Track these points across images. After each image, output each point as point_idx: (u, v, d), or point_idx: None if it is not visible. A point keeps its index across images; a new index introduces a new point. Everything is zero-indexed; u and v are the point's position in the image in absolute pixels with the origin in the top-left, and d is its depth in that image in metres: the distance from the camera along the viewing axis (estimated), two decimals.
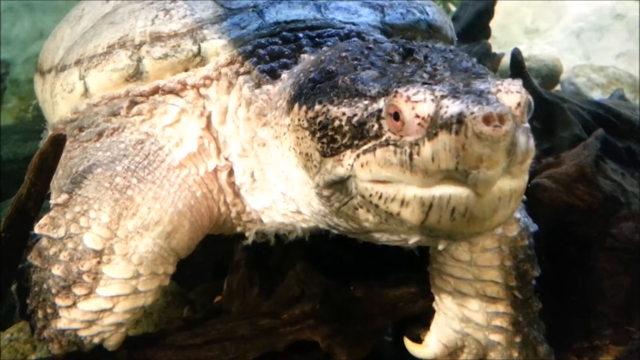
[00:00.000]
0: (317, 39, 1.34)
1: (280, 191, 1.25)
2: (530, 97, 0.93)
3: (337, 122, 0.99)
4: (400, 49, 1.04)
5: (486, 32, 2.94)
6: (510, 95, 0.90)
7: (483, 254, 1.38)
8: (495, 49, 3.04)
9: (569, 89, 4.04)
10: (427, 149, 0.87)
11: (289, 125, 1.10)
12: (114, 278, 1.23)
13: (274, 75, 1.27)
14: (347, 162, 0.98)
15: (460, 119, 0.84)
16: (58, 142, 1.26)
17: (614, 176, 1.78)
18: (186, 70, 1.36)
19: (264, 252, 1.63)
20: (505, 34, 4.88)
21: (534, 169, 1.82)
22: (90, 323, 1.26)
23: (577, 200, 1.70)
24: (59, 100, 1.49)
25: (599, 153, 1.80)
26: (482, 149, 0.83)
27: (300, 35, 1.36)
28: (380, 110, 0.94)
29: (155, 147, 1.32)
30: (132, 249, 1.23)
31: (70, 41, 1.61)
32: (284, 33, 1.37)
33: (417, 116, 0.88)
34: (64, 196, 1.27)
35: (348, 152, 0.98)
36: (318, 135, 1.02)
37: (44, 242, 1.27)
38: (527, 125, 0.92)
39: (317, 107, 1.03)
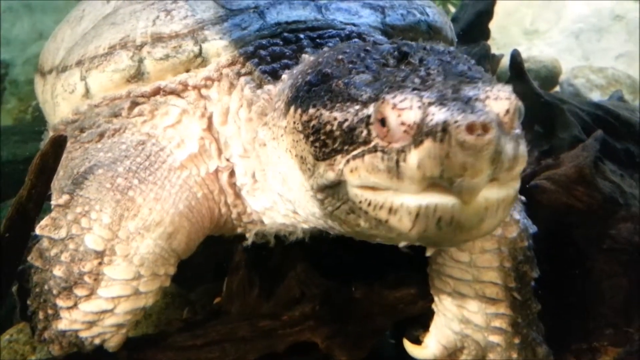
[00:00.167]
0: (318, 40, 1.34)
1: (278, 192, 1.25)
2: (520, 103, 0.92)
3: (328, 127, 0.99)
4: (395, 53, 1.03)
5: (486, 33, 2.94)
6: (499, 102, 0.89)
7: (482, 255, 1.38)
8: (494, 50, 3.05)
9: (568, 90, 4.05)
10: (413, 156, 0.87)
11: (286, 127, 1.11)
12: (115, 279, 1.23)
13: (275, 76, 1.27)
14: (337, 167, 0.98)
15: (444, 127, 0.84)
16: (59, 143, 1.26)
17: (612, 177, 1.79)
18: (187, 71, 1.36)
19: (263, 253, 1.63)
20: (505, 35, 4.88)
21: (533, 170, 1.83)
22: (91, 324, 1.26)
23: (576, 201, 1.70)
24: (60, 101, 1.49)
25: (598, 154, 1.80)
26: (465, 158, 0.83)
27: (302, 36, 1.36)
28: (369, 116, 0.95)
29: (156, 148, 1.32)
30: (133, 250, 1.24)
31: (71, 42, 1.61)
32: (285, 34, 1.37)
33: (403, 123, 0.89)
34: (65, 197, 1.27)
35: (339, 157, 0.98)
36: (311, 139, 1.02)
37: (45, 243, 1.27)
38: (517, 131, 0.91)
39: (311, 110, 1.03)
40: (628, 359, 1.55)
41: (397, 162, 0.89)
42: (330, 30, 1.38)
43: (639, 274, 1.65)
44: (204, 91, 1.35)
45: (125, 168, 1.28)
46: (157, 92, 1.37)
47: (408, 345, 1.54)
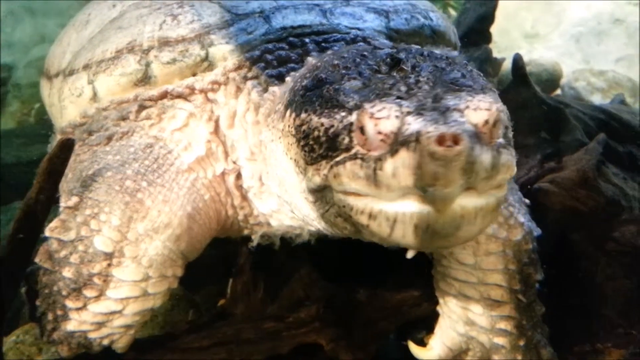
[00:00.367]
0: (323, 44, 1.36)
1: (276, 194, 1.27)
2: (502, 114, 0.93)
3: (316, 132, 1.01)
4: (388, 59, 1.04)
5: (487, 37, 2.96)
6: (478, 112, 0.90)
7: (487, 258, 1.39)
8: (495, 54, 3.06)
9: (569, 93, 4.06)
10: (389, 164, 0.89)
11: (282, 130, 1.12)
12: (124, 280, 1.24)
13: (281, 80, 1.28)
14: (322, 172, 1.00)
15: (417, 137, 0.86)
16: (67, 146, 1.26)
17: (615, 180, 1.80)
18: (194, 74, 1.37)
19: (268, 255, 1.64)
20: (505, 38, 4.89)
21: (536, 173, 1.84)
22: (100, 325, 1.27)
23: (579, 204, 1.71)
24: (68, 104, 1.50)
25: (601, 157, 1.81)
26: (436, 168, 0.84)
27: (307, 40, 1.37)
28: (352, 124, 0.96)
29: (164, 150, 1.33)
30: (142, 252, 1.24)
31: (77, 46, 1.62)
32: (291, 38, 1.38)
33: (380, 132, 0.91)
34: (75, 199, 1.28)
35: (324, 162, 1.00)
36: (302, 143, 1.04)
37: (54, 244, 1.27)
38: (500, 140, 0.92)
39: (303, 115, 1.05)
40: None
41: (375, 170, 0.91)
42: (335, 35, 1.39)
43: None
44: (210, 95, 1.36)
45: (134, 171, 1.29)
46: (164, 95, 1.38)
47: (413, 347, 1.55)
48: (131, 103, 1.39)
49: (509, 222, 1.39)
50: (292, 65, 1.31)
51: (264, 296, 1.65)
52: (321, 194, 1.04)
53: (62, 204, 1.29)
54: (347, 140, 0.96)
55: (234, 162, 1.35)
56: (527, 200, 1.49)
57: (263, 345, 1.46)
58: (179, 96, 1.37)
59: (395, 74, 1.01)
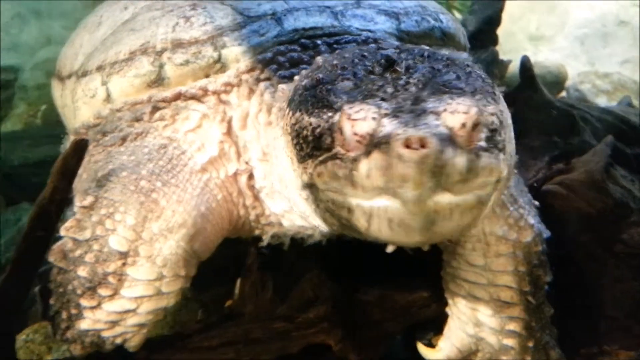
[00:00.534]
0: (335, 45, 1.37)
1: (277, 190, 1.28)
2: (486, 117, 0.94)
3: (305, 132, 1.03)
4: (383, 60, 1.04)
5: (494, 39, 2.96)
6: (455, 115, 0.91)
7: (497, 259, 1.40)
8: (500, 56, 3.06)
9: (574, 95, 4.06)
10: (363, 165, 0.90)
11: (283, 127, 1.14)
12: (138, 279, 1.25)
13: (292, 81, 1.29)
14: (309, 171, 1.02)
15: (387, 139, 0.87)
16: (81, 147, 1.28)
17: (623, 182, 1.80)
18: (207, 76, 1.38)
19: (277, 255, 1.65)
20: (511, 40, 4.89)
21: (544, 175, 1.84)
22: (114, 324, 1.28)
23: (588, 206, 1.71)
24: (81, 105, 1.51)
25: (609, 160, 1.81)
26: (404, 170, 0.85)
27: (319, 42, 1.38)
28: (334, 124, 0.98)
29: (178, 151, 1.34)
30: (156, 251, 1.25)
31: (89, 47, 1.63)
32: (303, 40, 1.39)
33: (356, 134, 0.92)
34: (90, 199, 1.29)
35: (310, 161, 1.02)
36: (294, 141, 1.06)
37: (69, 244, 1.28)
38: (481, 144, 0.92)
39: (297, 114, 1.06)
40: None
41: (351, 170, 0.92)
42: (346, 36, 1.40)
43: None
44: (223, 96, 1.37)
45: (149, 171, 1.30)
46: (177, 97, 1.38)
47: (422, 348, 1.55)
48: (145, 104, 1.40)
49: (519, 223, 1.39)
50: (304, 66, 1.31)
51: (273, 296, 1.65)
52: (310, 191, 1.06)
53: (77, 203, 1.30)
54: (329, 140, 0.98)
55: (247, 163, 1.36)
56: (536, 202, 1.50)
57: (272, 345, 1.47)
58: (192, 97, 1.38)
59: (387, 75, 1.02)
